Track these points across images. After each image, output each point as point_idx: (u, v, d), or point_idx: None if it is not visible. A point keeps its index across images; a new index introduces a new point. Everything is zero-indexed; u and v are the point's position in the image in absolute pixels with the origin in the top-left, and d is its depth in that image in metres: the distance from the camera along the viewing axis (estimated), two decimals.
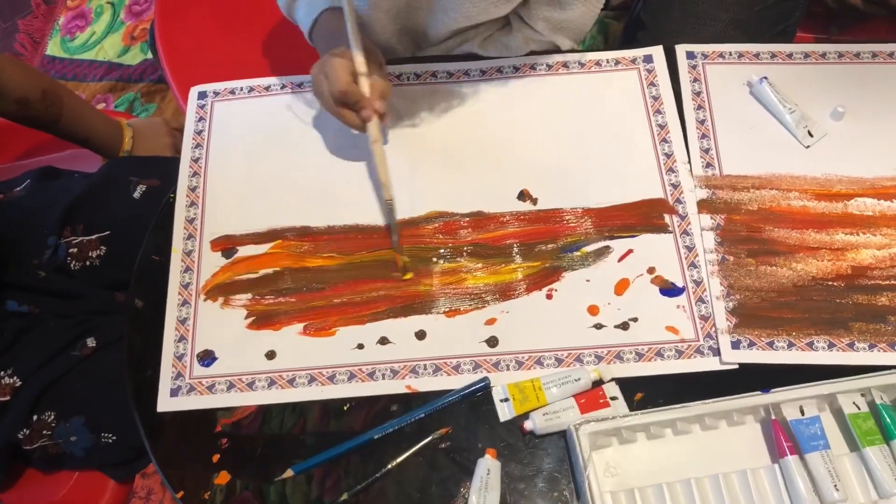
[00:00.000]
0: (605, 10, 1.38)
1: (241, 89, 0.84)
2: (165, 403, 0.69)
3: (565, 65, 0.83)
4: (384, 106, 0.72)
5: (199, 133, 0.81)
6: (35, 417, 0.76)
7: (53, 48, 1.73)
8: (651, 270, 0.73)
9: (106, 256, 0.85)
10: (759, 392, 0.65)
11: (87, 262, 0.85)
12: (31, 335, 0.79)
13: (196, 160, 0.80)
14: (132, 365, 0.70)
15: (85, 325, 0.81)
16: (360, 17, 0.79)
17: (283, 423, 0.68)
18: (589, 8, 0.81)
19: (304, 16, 0.80)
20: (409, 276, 0.73)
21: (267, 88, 0.84)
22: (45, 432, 0.77)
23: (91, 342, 0.80)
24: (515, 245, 0.74)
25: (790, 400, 0.65)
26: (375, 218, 0.76)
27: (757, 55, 0.83)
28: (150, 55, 1.70)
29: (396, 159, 0.77)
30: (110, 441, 0.78)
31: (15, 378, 0.77)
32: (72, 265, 0.85)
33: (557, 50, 0.84)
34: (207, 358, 0.70)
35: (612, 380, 0.68)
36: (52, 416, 0.77)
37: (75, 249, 0.85)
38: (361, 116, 0.72)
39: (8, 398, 0.76)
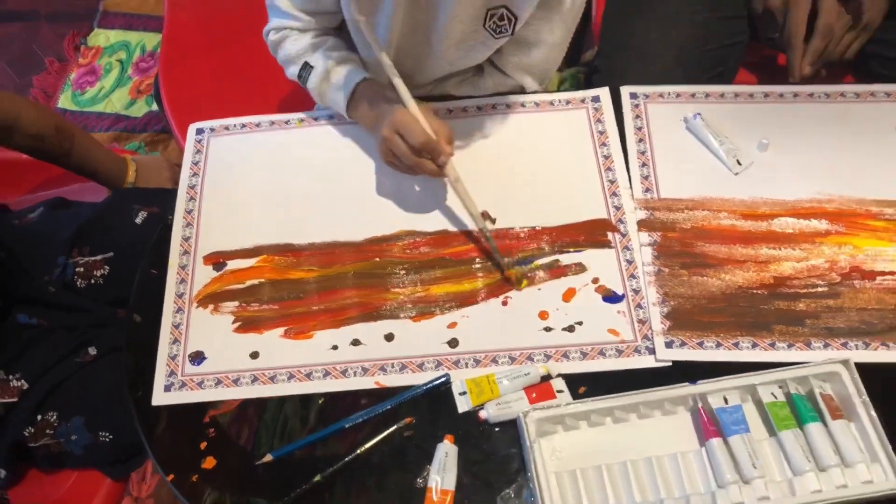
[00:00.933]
0: (578, 65, 1.50)
1: (235, 126, 0.94)
2: (160, 398, 0.77)
3: (523, 104, 0.94)
4: (452, 147, 0.80)
5: (196, 164, 0.91)
6: (39, 417, 0.84)
7: (65, 101, 1.86)
8: (595, 280, 0.82)
9: (109, 275, 0.95)
10: (688, 383, 0.73)
11: (92, 280, 0.94)
12: (39, 344, 0.87)
13: (192, 187, 0.89)
14: (130, 363, 0.78)
15: (87, 336, 0.90)
16: (348, 63, 0.90)
17: (265, 414, 0.76)
18: (552, 52, 0.92)
19: (338, 96, 0.88)
20: (524, 284, 0.81)
21: (257, 125, 0.94)
22: (47, 431, 0.84)
23: (92, 351, 0.88)
24: (478, 259, 0.83)
25: (715, 390, 0.73)
26: (349, 235, 0.85)
27: (693, 95, 0.94)
28: (154, 107, 1.82)
29: (372, 183, 0.87)
30: (107, 440, 0.85)
31: (23, 381, 0.85)
32: (78, 283, 0.94)
33: (522, 91, 0.95)
34: (198, 358, 0.79)
35: (559, 375, 0.76)
36: (55, 416, 0.84)
37: (82, 269, 0.94)
38: (439, 163, 0.80)
39: (16, 399, 0.84)
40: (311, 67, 0.88)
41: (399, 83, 0.80)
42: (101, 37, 1.95)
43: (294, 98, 1.13)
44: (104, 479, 0.88)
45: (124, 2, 2.01)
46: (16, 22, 1.97)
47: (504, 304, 0.81)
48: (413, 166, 0.80)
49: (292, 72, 0.90)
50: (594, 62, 1.13)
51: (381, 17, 0.84)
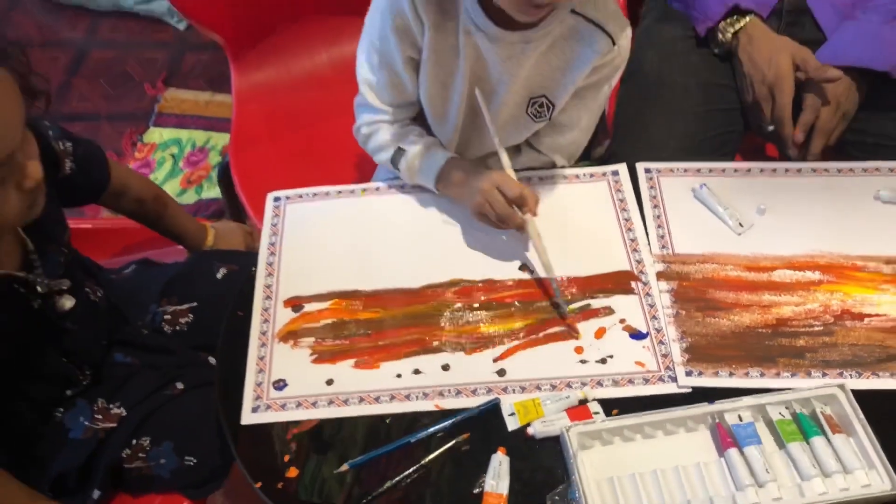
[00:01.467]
0: (590, 160, 1.69)
1: (307, 194, 1.10)
2: (248, 418, 0.88)
3: (553, 177, 1.10)
4: (537, 209, 0.97)
5: (275, 225, 1.06)
6: (135, 441, 0.95)
7: None
8: (622, 321, 0.95)
9: (193, 323, 1.08)
10: (707, 403, 0.85)
11: (178, 327, 1.08)
12: (134, 379, 0.99)
13: (272, 244, 1.04)
14: (222, 390, 0.91)
15: (173, 374, 1.02)
16: (435, 146, 1.05)
17: (340, 432, 0.87)
18: (581, 135, 1.09)
19: (429, 173, 1.03)
20: (578, 337, 0.93)
21: (326, 194, 1.10)
22: (140, 454, 0.95)
23: (179, 385, 1.00)
24: (518, 302, 0.97)
25: (731, 409, 0.85)
26: (407, 283, 0.99)
27: (699, 170, 1.10)
28: (204, 195, 2.00)
29: (425, 239, 1.02)
30: (191, 464, 0.96)
31: (122, 409, 0.96)
32: (165, 328, 1.07)
33: (553, 166, 1.11)
34: (280, 384, 0.91)
35: (595, 400, 0.88)
36: (148, 441, 0.95)
37: (169, 316, 1.08)
38: (525, 217, 0.95)
39: (115, 425, 0.96)
40: (404, 151, 1.04)
41: (502, 150, 0.98)
42: (156, 134, 2.15)
43: (352, 173, 1.30)
44: (184, 502, 0.97)
45: (177, 104, 2.23)
46: (79, 121, 2.18)
47: (544, 340, 0.93)
48: (506, 217, 0.95)
49: (384, 157, 1.06)
50: (606, 154, 1.30)
51: (452, 106, 1.02)
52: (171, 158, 2.10)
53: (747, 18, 1.20)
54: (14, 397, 0.90)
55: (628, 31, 0.99)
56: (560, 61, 0.99)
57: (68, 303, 0.91)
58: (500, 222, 0.97)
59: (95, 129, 2.17)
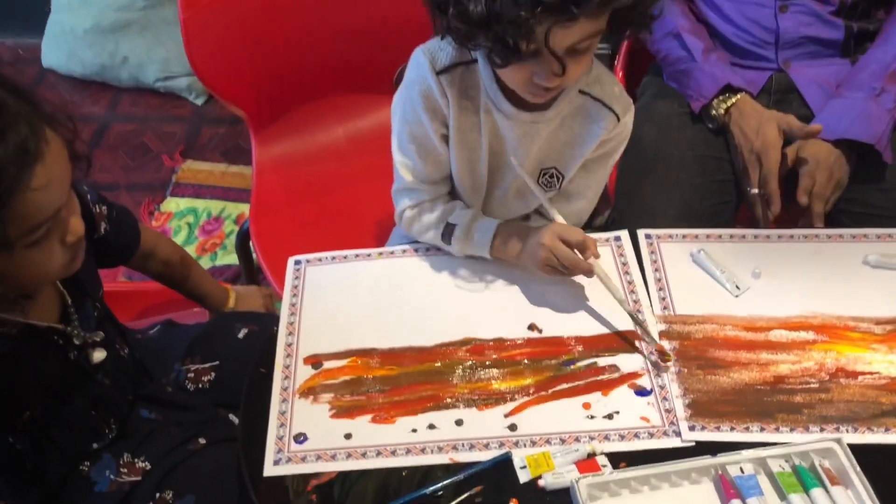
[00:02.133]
0: (591, 229, 1.76)
1: (326, 258, 1.16)
2: (270, 470, 0.92)
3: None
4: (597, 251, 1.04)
5: (295, 287, 1.12)
6: (158, 494, 0.98)
7: None
8: (627, 379, 0.99)
9: (215, 381, 1.13)
10: (710, 456, 0.89)
11: (200, 385, 1.12)
12: (158, 434, 1.03)
13: (293, 304, 1.10)
14: (245, 442, 0.94)
15: (195, 430, 1.06)
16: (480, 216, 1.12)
17: (357, 484, 0.91)
18: (587, 203, 1.17)
19: (483, 241, 1.08)
20: (669, 358, 0.99)
21: (345, 257, 1.16)
22: None
23: (202, 440, 1.04)
24: (527, 360, 1.02)
25: (733, 462, 0.88)
26: (421, 341, 1.04)
27: (696, 236, 1.16)
28: (216, 263, 2.07)
29: (439, 300, 1.08)
30: None
31: (146, 463, 1.00)
32: (188, 386, 1.11)
33: None
34: (301, 438, 0.95)
35: (603, 453, 0.92)
36: (171, 494, 0.98)
37: (192, 374, 1.12)
38: (587, 257, 1.02)
39: (140, 478, 0.99)
40: (454, 226, 1.09)
41: (550, 206, 1.06)
42: (173, 203, 2.23)
43: (367, 238, 1.37)
44: None
45: (193, 175, 2.32)
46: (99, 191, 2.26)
47: (553, 396, 0.98)
48: (574, 265, 1.01)
49: (432, 236, 1.11)
50: (608, 222, 1.37)
51: (477, 178, 1.10)
52: (187, 227, 2.17)
53: (738, 96, 1.28)
54: (44, 447, 0.94)
55: (632, 110, 1.08)
56: (569, 136, 1.07)
57: (100, 355, 0.96)
58: (568, 270, 1.03)
59: (114, 198, 2.20)
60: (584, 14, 0.83)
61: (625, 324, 1.05)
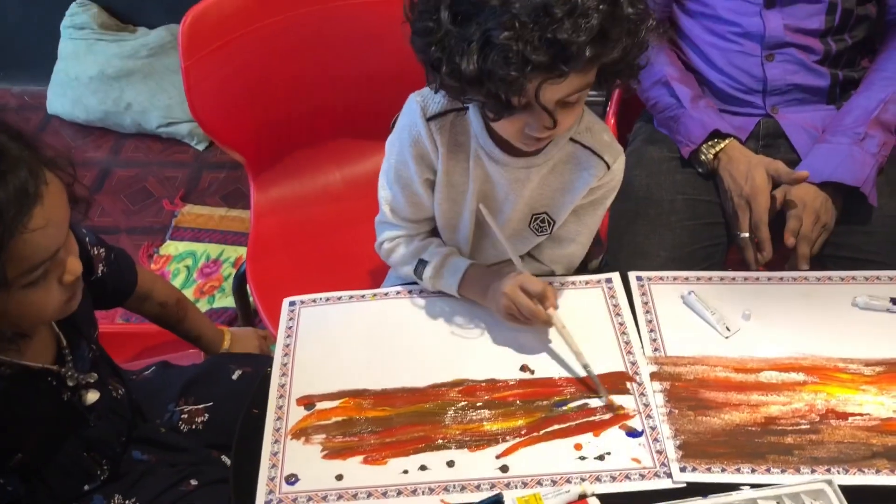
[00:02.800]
0: (586, 272, 1.78)
1: (321, 299, 1.17)
2: None
3: (550, 283, 1.17)
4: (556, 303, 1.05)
5: (290, 328, 1.13)
6: None
7: None
8: (619, 419, 1.00)
9: (208, 422, 1.13)
10: (701, 497, 0.89)
11: (193, 426, 1.13)
12: (150, 476, 1.03)
13: (287, 345, 1.10)
14: (236, 483, 0.94)
15: (188, 471, 1.05)
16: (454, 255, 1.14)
17: None
18: (579, 248, 1.19)
19: (452, 280, 1.10)
20: (620, 410, 1.00)
21: (339, 298, 1.17)
22: None
23: (193, 482, 1.04)
24: (519, 401, 1.02)
25: (725, 503, 0.89)
26: (414, 382, 1.05)
27: (686, 278, 1.18)
28: (214, 305, 2.08)
29: (431, 341, 1.09)
30: None
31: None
32: (182, 427, 1.12)
33: (552, 274, 1.19)
34: (292, 479, 0.95)
35: (594, 494, 0.92)
36: None
37: (186, 415, 1.13)
38: (546, 307, 1.03)
39: None
40: (426, 262, 1.12)
41: (515, 254, 1.07)
42: (172, 247, 2.25)
43: (363, 280, 1.38)
44: None
45: (193, 219, 2.34)
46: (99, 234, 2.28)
47: (545, 437, 0.98)
48: (532, 315, 1.03)
49: (407, 271, 1.15)
50: (600, 265, 1.39)
51: (464, 221, 1.12)
52: (186, 270, 2.19)
53: (726, 141, 1.31)
54: (36, 489, 0.94)
55: (622, 158, 1.10)
56: (560, 183, 1.09)
57: (93, 396, 0.96)
58: (527, 319, 1.04)
59: (114, 241, 2.23)
60: (573, 71, 0.85)
61: (616, 364, 1.06)
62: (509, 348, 1.09)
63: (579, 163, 1.08)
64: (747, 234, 1.25)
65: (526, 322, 1.05)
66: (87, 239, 1.04)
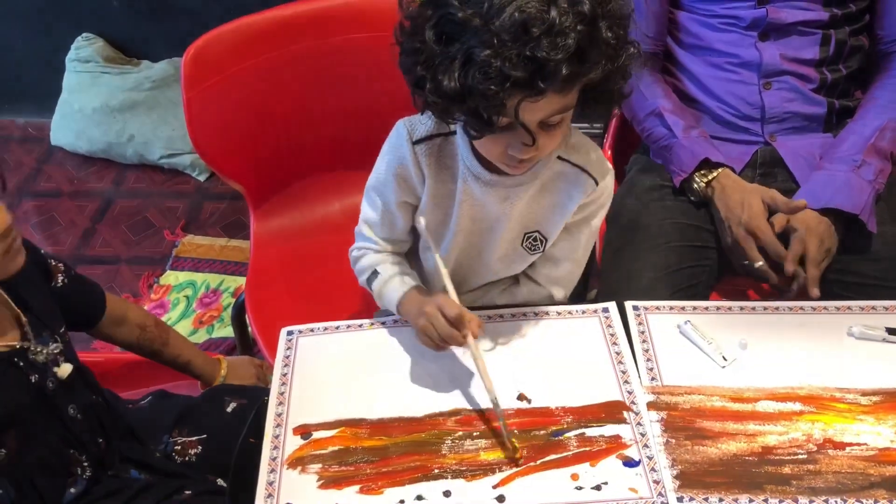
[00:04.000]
0: (585, 302, 1.79)
1: (318, 329, 1.18)
2: None
3: (548, 313, 1.18)
4: (481, 332, 1.04)
5: (287, 357, 1.13)
6: None
7: None
8: (615, 449, 1.00)
9: (201, 454, 1.13)
10: None
11: (187, 458, 1.13)
12: (146, 493, 1.05)
13: (284, 374, 1.11)
14: None
15: (182, 485, 1.07)
16: (426, 276, 1.16)
17: None
18: (574, 266, 1.19)
19: (393, 295, 1.12)
20: (518, 455, 0.98)
21: (336, 328, 1.18)
22: None
23: (188, 492, 1.05)
24: (516, 430, 1.02)
25: None
26: (410, 412, 1.05)
27: (683, 308, 1.18)
28: (213, 335, 2.08)
29: (428, 370, 1.09)
30: None
31: None
32: (176, 458, 1.12)
33: (551, 299, 1.20)
34: None
35: None
36: None
37: (179, 447, 1.13)
38: (464, 334, 1.02)
39: None
40: (378, 274, 1.15)
41: (446, 275, 1.07)
42: (172, 277, 2.26)
43: (360, 308, 1.39)
44: None
45: (193, 249, 2.35)
46: (99, 265, 2.30)
47: (542, 467, 0.98)
48: (447, 337, 1.03)
49: (363, 279, 1.18)
50: (598, 296, 1.40)
51: (445, 241, 1.12)
52: (185, 300, 2.19)
53: (719, 170, 1.33)
54: (25, 494, 0.96)
55: (611, 174, 1.12)
56: (550, 201, 1.11)
57: (66, 368, 0.99)
58: (443, 342, 1.05)
59: (115, 271, 2.28)
60: (550, 89, 0.87)
61: (613, 394, 1.06)
62: (507, 377, 1.08)
63: (568, 180, 1.09)
64: (762, 263, 1.25)
65: (440, 346, 1.06)
66: (41, 252, 1.09)
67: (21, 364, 0.96)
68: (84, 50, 2.56)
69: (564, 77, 0.86)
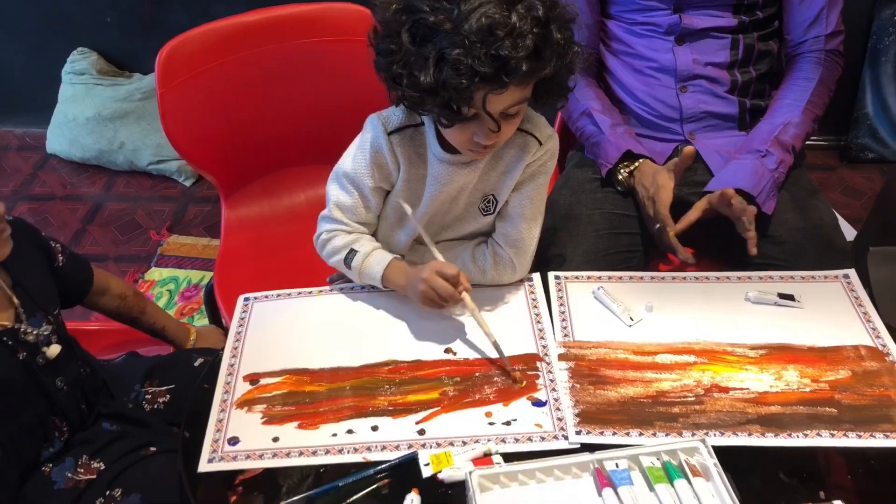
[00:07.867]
0: None
1: (272, 295, 1.32)
2: (204, 466, 1.04)
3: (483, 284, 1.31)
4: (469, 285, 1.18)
5: (243, 319, 1.27)
6: (108, 492, 1.10)
7: None
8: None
9: (169, 402, 1.27)
10: (587, 453, 1.01)
11: (156, 406, 1.26)
12: (115, 443, 1.17)
13: (238, 332, 1.24)
14: (185, 445, 1.07)
15: (149, 440, 1.19)
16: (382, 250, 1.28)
17: (281, 478, 1.03)
18: (527, 225, 1.28)
19: (376, 271, 1.24)
20: (522, 384, 1.13)
21: (288, 294, 1.31)
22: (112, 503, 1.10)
23: (152, 449, 1.17)
24: (443, 377, 1.15)
25: (608, 458, 1.00)
26: (348, 362, 1.18)
27: (599, 277, 1.32)
28: (194, 324, 2.21)
29: (365, 328, 1.23)
30: None
31: (101, 464, 1.12)
32: (146, 406, 1.25)
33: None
34: (234, 441, 1.07)
35: (498, 453, 1.04)
36: (120, 492, 1.10)
37: (150, 395, 1.26)
38: (460, 292, 1.16)
39: (94, 477, 1.12)
40: (356, 252, 1.26)
41: (433, 246, 1.21)
42: (156, 273, 2.40)
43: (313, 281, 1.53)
44: None
45: (177, 247, 2.50)
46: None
47: (460, 406, 1.11)
48: (449, 296, 1.16)
49: (337, 259, 1.27)
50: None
51: (418, 214, 1.26)
52: (168, 293, 2.33)
53: (640, 161, 1.47)
54: (7, 450, 1.08)
55: (554, 138, 1.25)
56: (503, 166, 1.24)
57: (55, 349, 1.11)
58: (445, 302, 1.18)
59: (102, 268, 2.40)
60: (513, 82, 1.03)
61: (530, 347, 1.19)
62: (436, 334, 1.22)
63: (515, 144, 1.23)
64: (658, 225, 1.39)
65: (442, 305, 1.19)
66: (42, 234, 1.20)
67: (10, 343, 1.08)
68: (79, 63, 2.72)
69: (524, 72, 1.02)
